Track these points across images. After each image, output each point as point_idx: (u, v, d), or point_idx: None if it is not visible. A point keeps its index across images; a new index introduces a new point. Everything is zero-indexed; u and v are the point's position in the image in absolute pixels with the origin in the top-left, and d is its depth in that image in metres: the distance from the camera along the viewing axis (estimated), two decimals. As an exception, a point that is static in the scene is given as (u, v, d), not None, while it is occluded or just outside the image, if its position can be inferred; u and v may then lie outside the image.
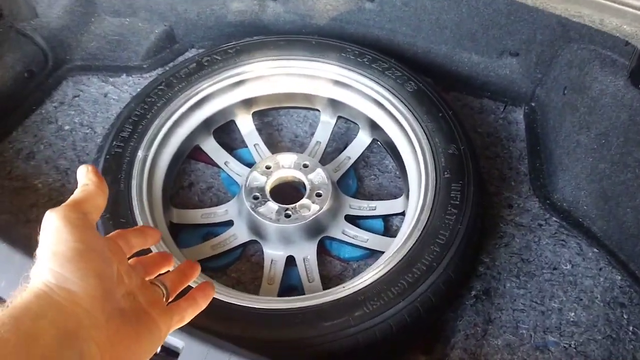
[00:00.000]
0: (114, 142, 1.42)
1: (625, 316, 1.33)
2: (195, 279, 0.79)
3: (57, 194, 1.55)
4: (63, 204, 0.61)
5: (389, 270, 1.23)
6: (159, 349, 0.64)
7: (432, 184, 1.36)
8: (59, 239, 0.57)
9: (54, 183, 1.57)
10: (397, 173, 1.65)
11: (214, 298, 1.16)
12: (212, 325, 1.14)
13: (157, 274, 0.74)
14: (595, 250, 1.42)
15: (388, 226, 1.53)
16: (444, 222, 1.29)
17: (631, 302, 1.34)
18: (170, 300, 0.71)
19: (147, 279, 0.70)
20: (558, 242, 1.44)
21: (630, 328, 1.31)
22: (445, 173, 1.36)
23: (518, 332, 1.32)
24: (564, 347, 1.29)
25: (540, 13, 1.43)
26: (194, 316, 0.72)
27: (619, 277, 1.38)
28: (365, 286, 1.21)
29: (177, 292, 0.74)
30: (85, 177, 0.65)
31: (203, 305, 0.74)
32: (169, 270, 0.76)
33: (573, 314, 1.33)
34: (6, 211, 1.51)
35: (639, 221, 1.32)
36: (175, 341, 0.94)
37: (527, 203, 1.52)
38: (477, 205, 1.34)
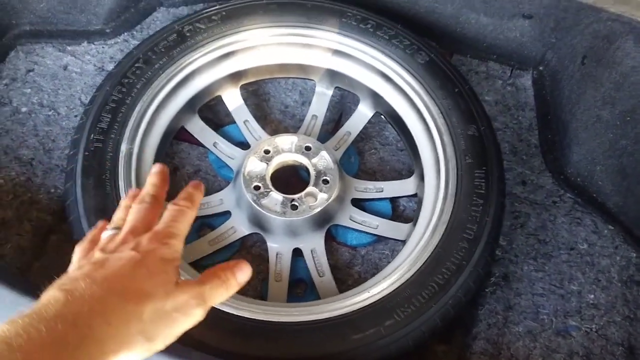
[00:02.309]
0: (92, 135, 1.22)
1: (641, 295, 1.32)
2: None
3: (23, 190, 1.34)
4: None
5: (417, 271, 1.15)
6: None
7: (452, 170, 1.26)
8: None
9: (17, 177, 1.36)
10: (399, 145, 1.53)
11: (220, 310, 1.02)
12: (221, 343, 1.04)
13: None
14: (610, 227, 1.38)
15: (395, 206, 1.44)
16: (470, 214, 1.21)
17: (647, 280, 1.34)
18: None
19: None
20: (573, 220, 1.40)
21: (647, 307, 1.31)
22: (467, 158, 1.27)
23: (539, 317, 1.29)
24: (586, 331, 1.27)
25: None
26: None
27: (634, 255, 1.36)
28: (393, 290, 1.13)
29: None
30: None
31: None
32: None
33: (592, 296, 1.31)
34: (-35, 214, 1.31)
35: (661, 200, 1.29)
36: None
37: (541, 179, 1.45)
38: (502, 193, 1.26)
